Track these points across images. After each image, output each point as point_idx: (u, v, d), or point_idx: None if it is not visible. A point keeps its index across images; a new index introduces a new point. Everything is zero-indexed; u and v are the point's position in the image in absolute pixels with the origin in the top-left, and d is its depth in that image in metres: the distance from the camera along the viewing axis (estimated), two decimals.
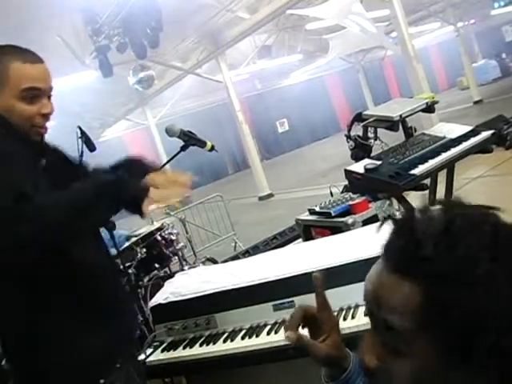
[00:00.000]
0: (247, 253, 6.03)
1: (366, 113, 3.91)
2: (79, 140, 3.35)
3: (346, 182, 3.77)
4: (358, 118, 3.90)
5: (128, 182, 1.76)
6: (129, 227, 6.03)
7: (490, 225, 0.82)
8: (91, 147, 3.48)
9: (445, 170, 4.05)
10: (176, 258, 5.61)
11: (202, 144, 2.69)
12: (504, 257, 0.79)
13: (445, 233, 0.81)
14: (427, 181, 3.80)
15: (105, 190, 1.69)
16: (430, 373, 0.82)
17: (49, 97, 1.88)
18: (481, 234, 0.81)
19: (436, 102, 4.07)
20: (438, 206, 0.90)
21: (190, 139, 2.66)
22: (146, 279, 5.04)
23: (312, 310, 1.19)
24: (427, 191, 4.10)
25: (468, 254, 0.78)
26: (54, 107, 1.90)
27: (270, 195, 14.80)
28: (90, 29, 10.83)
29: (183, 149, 2.68)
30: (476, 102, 20.21)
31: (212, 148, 2.72)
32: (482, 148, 3.92)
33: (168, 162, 2.84)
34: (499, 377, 0.79)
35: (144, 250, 5.21)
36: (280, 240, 6.05)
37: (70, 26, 11.38)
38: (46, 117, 1.87)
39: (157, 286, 4.56)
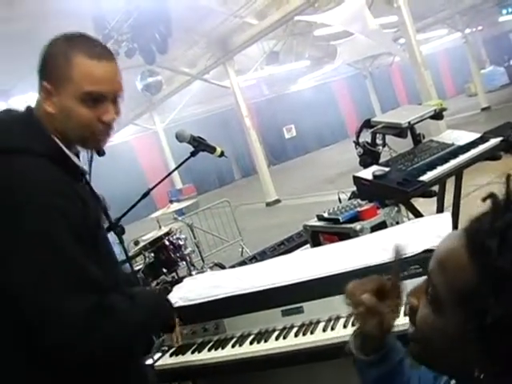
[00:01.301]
0: (254, 258, 6.01)
1: (374, 119, 3.93)
2: None
3: (354, 188, 3.78)
4: (367, 124, 3.92)
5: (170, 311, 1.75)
6: (136, 232, 6.06)
7: None
8: (100, 151, 3.51)
9: (453, 177, 4.06)
10: (184, 262, 5.64)
11: (211, 150, 2.71)
12: None
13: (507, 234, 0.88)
14: (436, 188, 3.81)
15: (161, 316, 1.74)
16: (450, 336, 0.94)
17: (115, 100, 1.65)
18: None
19: (444, 109, 4.08)
20: None
21: (199, 145, 2.67)
22: (153, 284, 5.06)
23: (386, 284, 1.23)
24: (435, 198, 4.12)
25: None
26: (120, 111, 1.69)
27: (277, 201, 14.82)
28: (99, 34, 10.89)
29: (193, 154, 2.70)
30: (484, 109, 20.20)
31: (222, 154, 2.73)
32: (491, 155, 3.93)
33: (177, 167, 2.87)
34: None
35: (152, 254, 5.24)
36: (287, 246, 6.03)
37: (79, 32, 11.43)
38: (108, 124, 1.65)
39: (165, 290, 4.57)
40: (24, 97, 10.87)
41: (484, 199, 0.95)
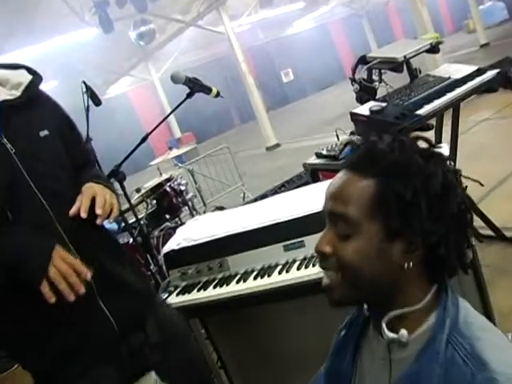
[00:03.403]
0: (256, 201, 6.07)
1: (370, 55, 3.88)
2: (84, 95, 3.38)
3: (353, 129, 3.78)
4: (362, 60, 3.88)
5: (25, 266, 1.61)
6: (137, 182, 6.09)
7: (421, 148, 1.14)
8: (97, 101, 3.50)
9: (451, 113, 4.05)
10: (186, 208, 5.68)
11: (207, 90, 2.71)
12: (431, 160, 1.09)
13: (393, 142, 1.12)
14: (433, 121, 3.81)
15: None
16: (373, 247, 1.08)
17: None
18: (414, 148, 1.12)
19: (441, 42, 4.04)
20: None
21: (195, 86, 2.67)
22: (157, 230, 5.12)
23: None
24: (434, 134, 4.12)
25: (405, 156, 1.08)
26: None
27: (277, 145, 14.80)
28: None
29: (189, 96, 2.70)
30: (483, 46, 19.88)
31: (218, 94, 2.73)
32: (488, 87, 3.91)
33: (174, 110, 2.87)
34: (423, 255, 1.10)
35: (154, 201, 5.27)
36: (288, 188, 6.07)
37: None
38: None
39: (168, 236, 4.63)
40: (16, 53, 10.76)
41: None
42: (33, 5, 11.63)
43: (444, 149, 2.78)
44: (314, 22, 27.42)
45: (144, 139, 2.88)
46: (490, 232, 4.30)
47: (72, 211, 1.71)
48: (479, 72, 3.85)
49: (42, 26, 11.79)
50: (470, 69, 3.92)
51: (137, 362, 1.97)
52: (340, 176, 1.16)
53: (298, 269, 2.43)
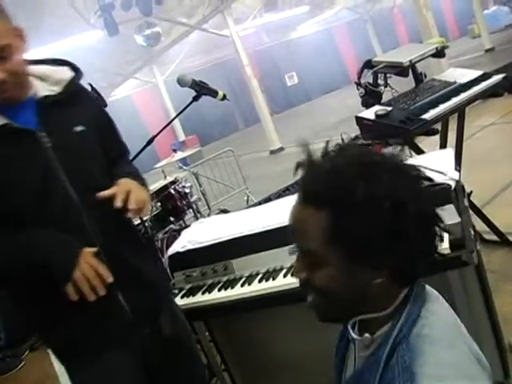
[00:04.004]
0: (260, 205, 6.07)
1: (375, 59, 3.89)
2: None
3: (358, 133, 3.79)
4: (368, 64, 3.89)
5: (53, 267, 1.75)
6: None
7: (366, 161, 1.11)
8: (102, 103, 3.51)
9: (456, 117, 4.05)
10: (190, 210, 5.69)
11: (213, 93, 2.72)
12: (376, 181, 1.06)
13: (332, 171, 1.09)
14: (438, 126, 3.81)
15: (29, 271, 1.75)
16: (341, 273, 1.11)
17: (1, 58, 1.67)
18: (357, 168, 1.09)
19: (446, 47, 4.04)
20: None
21: (201, 89, 2.68)
22: (161, 232, 5.12)
23: None
24: (439, 140, 4.12)
25: (349, 184, 1.06)
26: (15, 66, 1.72)
27: (281, 149, 14.79)
28: None
29: (195, 99, 2.71)
30: (487, 50, 19.84)
31: (224, 97, 2.74)
32: (493, 92, 3.91)
33: (181, 112, 2.87)
34: (391, 268, 1.11)
35: (158, 204, 5.28)
36: (292, 192, 6.07)
37: None
38: None
39: (172, 238, 4.64)
40: None
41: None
42: (39, 7, 11.67)
43: (449, 152, 2.77)
44: (319, 26, 27.45)
45: (150, 142, 2.88)
46: (494, 237, 4.29)
47: (102, 194, 1.81)
48: (485, 77, 3.86)
49: (48, 29, 11.82)
50: (475, 73, 3.93)
51: (147, 352, 2.04)
52: (294, 208, 1.18)
53: None
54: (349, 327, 1.25)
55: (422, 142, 3.80)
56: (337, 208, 1.07)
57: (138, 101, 23.44)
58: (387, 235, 1.06)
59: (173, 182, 5.56)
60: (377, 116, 3.41)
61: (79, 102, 1.96)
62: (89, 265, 1.75)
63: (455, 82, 3.82)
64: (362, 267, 1.10)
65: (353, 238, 1.07)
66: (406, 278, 1.16)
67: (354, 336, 1.23)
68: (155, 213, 5.33)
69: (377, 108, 3.53)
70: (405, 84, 4.01)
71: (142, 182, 2.05)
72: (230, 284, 2.60)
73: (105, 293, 1.77)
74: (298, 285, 2.33)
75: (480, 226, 4.13)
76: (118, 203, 1.79)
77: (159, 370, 2.13)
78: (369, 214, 1.05)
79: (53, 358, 3.66)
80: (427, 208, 1.12)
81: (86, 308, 1.80)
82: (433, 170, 2.19)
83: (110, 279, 1.79)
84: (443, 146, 4.09)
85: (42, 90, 1.86)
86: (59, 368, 3.53)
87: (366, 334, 1.20)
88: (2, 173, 1.73)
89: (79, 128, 1.89)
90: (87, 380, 1.95)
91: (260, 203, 6.00)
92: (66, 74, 1.93)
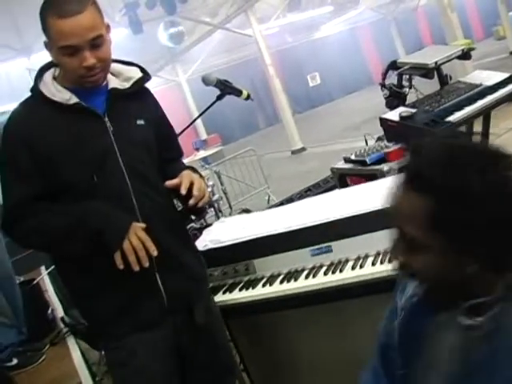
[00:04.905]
0: (281, 205, 6.05)
1: (400, 60, 3.87)
2: None
3: (381, 134, 3.76)
4: (393, 66, 3.87)
5: (107, 234, 1.88)
6: None
7: (486, 155, 1.11)
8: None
9: (481, 119, 4.01)
10: (212, 209, 5.69)
11: (237, 92, 2.72)
12: (493, 181, 1.07)
13: (449, 158, 1.10)
14: (463, 129, 3.77)
15: (84, 233, 1.89)
16: (440, 259, 1.13)
17: (94, 45, 1.86)
18: (477, 160, 1.09)
19: (472, 49, 4.01)
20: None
21: (226, 88, 2.69)
22: None
23: None
24: None
25: (465, 175, 1.06)
26: (105, 53, 1.92)
27: (303, 149, 14.76)
28: None
29: (219, 98, 2.71)
30: None
31: (248, 96, 2.74)
32: None
33: (205, 110, 2.88)
34: (490, 256, 1.11)
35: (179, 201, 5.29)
36: (314, 192, 6.04)
37: None
38: (91, 68, 1.88)
39: (193, 237, 4.63)
40: (44, 53, 10.84)
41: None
42: None
43: None
44: (342, 27, 27.33)
45: None
46: None
47: (170, 183, 1.99)
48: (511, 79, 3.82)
49: None
50: (501, 76, 3.89)
51: (180, 339, 2.14)
52: (399, 191, 1.18)
53: (325, 274, 2.42)
54: (461, 314, 1.21)
55: None
56: (445, 196, 1.07)
57: (160, 99, 23.25)
58: (489, 225, 1.07)
59: None
60: (401, 118, 3.39)
61: (143, 100, 2.19)
62: (137, 236, 1.88)
63: (481, 85, 3.78)
64: (461, 254, 1.11)
65: (455, 229, 1.08)
66: (503, 265, 1.15)
67: (468, 321, 1.19)
68: (179, 210, 5.34)
69: (401, 109, 3.51)
70: (430, 86, 3.98)
71: (201, 175, 2.19)
72: (251, 284, 2.60)
73: (148, 265, 1.89)
74: (319, 286, 2.34)
75: None
76: (183, 191, 1.95)
77: (192, 357, 2.20)
78: (476, 209, 1.06)
79: (72, 352, 3.69)
80: None
81: (126, 286, 1.96)
82: None
83: (155, 253, 1.90)
84: None
85: (114, 83, 2.07)
86: (79, 363, 3.55)
87: (478, 317, 1.18)
88: (65, 145, 1.92)
89: (140, 121, 2.10)
90: (118, 359, 2.08)
91: (282, 203, 6.00)
92: (136, 73, 2.15)
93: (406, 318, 1.42)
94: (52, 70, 2.03)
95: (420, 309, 1.38)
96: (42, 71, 2.03)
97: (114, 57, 2.08)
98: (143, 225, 1.94)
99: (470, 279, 1.15)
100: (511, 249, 1.12)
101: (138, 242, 1.88)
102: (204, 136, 22.07)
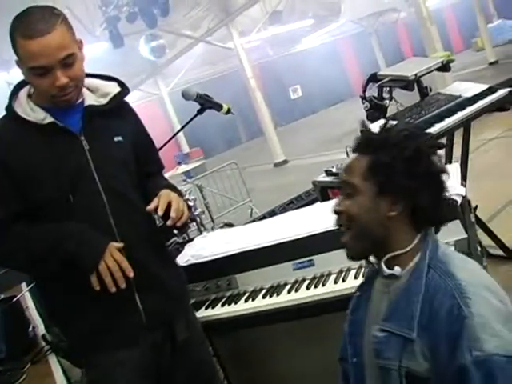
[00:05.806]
0: (264, 218, 6.05)
1: (380, 73, 3.88)
2: None
3: None
4: (373, 78, 3.87)
5: (81, 256, 1.88)
6: None
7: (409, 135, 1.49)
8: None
9: (461, 131, 4.03)
10: (194, 224, 5.66)
11: (218, 107, 2.71)
12: (410, 136, 1.48)
13: (385, 136, 1.49)
14: (444, 140, 3.78)
15: (59, 256, 1.88)
16: (368, 201, 1.46)
17: (66, 64, 1.83)
18: (403, 138, 1.47)
19: (452, 61, 4.03)
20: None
21: (206, 102, 2.68)
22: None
23: None
24: (444, 153, 4.09)
25: (394, 146, 1.44)
26: (77, 71, 1.89)
27: (285, 161, 14.80)
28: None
29: (200, 112, 2.70)
30: (491, 64, 19.87)
31: (228, 110, 2.73)
32: (499, 106, 3.89)
33: (185, 125, 2.87)
34: (406, 205, 1.45)
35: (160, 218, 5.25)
36: (296, 205, 6.05)
37: None
38: (63, 88, 1.86)
39: (176, 251, 4.60)
40: None
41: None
42: None
43: (455, 168, 2.75)
44: (323, 39, 27.50)
45: None
46: (500, 252, 4.26)
47: (150, 207, 1.94)
48: (491, 90, 3.84)
49: None
50: (481, 87, 3.91)
51: (159, 357, 2.11)
52: (351, 156, 1.56)
53: (308, 288, 2.41)
54: (382, 263, 1.50)
55: None
56: (377, 152, 1.45)
57: (141, 112, 23.24)
58: (406, 173, 1.41)
59: None
60: None
61: (122, 116, 2.16)
62: (113, 258, 1.88)
63: (460, 96, 3.80)
64: (384, 198, 1.44)
65: (381, 173, 1.43)
66: (417, 220, 1.48)
67: (387, 271, 1.49)
68: (159, 225, 5.30)
69: (382, 122, 3.51)
70: (410, 98, 3.99)
71: (180, 193, 2.18)
72: (234, 299, 2.59)
73: (125, 286, 1.89)
74: (301, 301, 2.32)
75: (485, 239, 4.09)
76: (160, 212, 1.94)
77: (173, 374, 2.17)
78: (396, 155, 1.42)
79: (54, 371, 3.64)
80: (437, 167, 1.47)
81: (104, 304, 1.94)
82: None
83: (131, 274, 1.90)
84: (449, 159, 4.06)
85: (90, 99, 2.04)
86: (61, 382, 3.50)
87: (397, 267, 1.47)
88: (40, 165, 1.89)
89: (117, 138, 2.07)
90: (95, 379, 2.10)
91: (264, 216, 5.99)
92: (114, 88, 2.12)
93: (353, 306, 1.72)
94: (27, 87, 2.00)
95: (363, 292, 1.69)
96: (17, 89, 2.00)
97: (94, 71, 2.08)
98: (121, 244, 1.93)
99: (391, 229, 1.47)
100: (426, 204, 1.44)
101: (113, 263, 1.87)
102: (186, 149, 22.05)
